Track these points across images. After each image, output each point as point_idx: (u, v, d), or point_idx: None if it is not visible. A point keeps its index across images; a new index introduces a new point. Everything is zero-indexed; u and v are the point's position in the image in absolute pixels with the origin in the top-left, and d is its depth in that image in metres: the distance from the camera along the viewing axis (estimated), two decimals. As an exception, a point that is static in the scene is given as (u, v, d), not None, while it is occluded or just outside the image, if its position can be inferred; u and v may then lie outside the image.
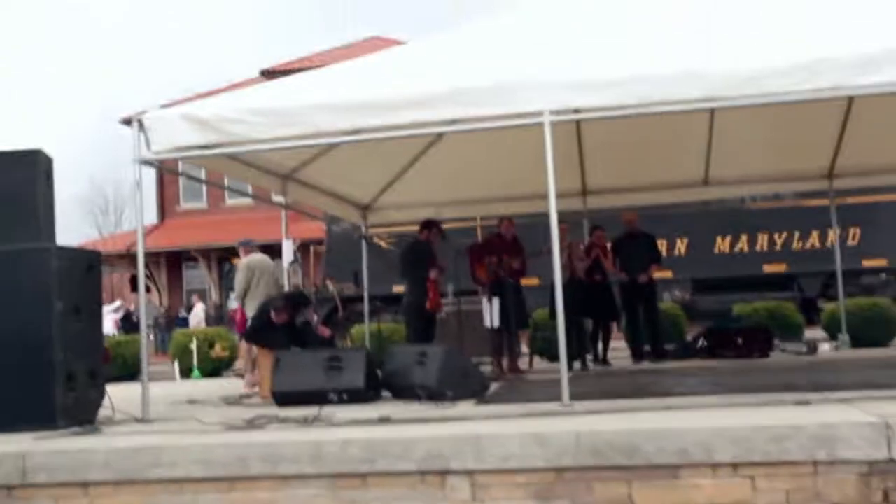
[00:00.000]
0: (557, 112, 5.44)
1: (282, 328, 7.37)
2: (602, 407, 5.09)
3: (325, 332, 7.84)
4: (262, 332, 7.42)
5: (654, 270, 9.88)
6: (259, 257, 9.49)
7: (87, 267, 5.97)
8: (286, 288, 9.64)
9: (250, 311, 8.90)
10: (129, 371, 12.49)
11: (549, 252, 5.39)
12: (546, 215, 5.46)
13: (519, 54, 5.92)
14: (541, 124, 5.37)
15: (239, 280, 9.32)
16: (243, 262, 9.40)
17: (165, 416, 6.00)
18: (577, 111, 5.79)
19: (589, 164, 9.71)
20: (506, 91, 5.44)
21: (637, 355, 9.77)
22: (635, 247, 9.83)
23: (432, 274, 8.41)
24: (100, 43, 60.18)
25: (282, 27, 58.04)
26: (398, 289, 13.84)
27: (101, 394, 5.96)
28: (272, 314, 7.37)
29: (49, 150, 5.91)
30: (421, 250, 8.61)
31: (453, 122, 6.00)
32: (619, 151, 9.05)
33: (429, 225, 8.73)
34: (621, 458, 4.09)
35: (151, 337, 21.73)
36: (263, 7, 60.06)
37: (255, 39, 56.37)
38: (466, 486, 4.25)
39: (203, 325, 18.97)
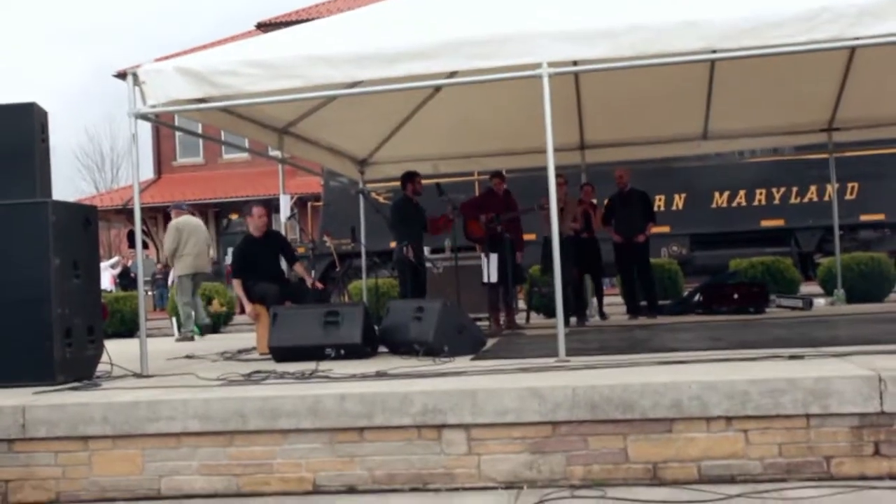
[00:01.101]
0: (555, 64, 5.38)
1: (278, 285, 7.39)
2: (598, 361, 5.12)
3: (318, 285, 7.83)
4: (258, 288, 7.42)
5: (649, 229, 9.84)
6: (187, 219, 10.02)
7: (84, 222, 5.94)
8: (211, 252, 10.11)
9: (178, 271, 9.43)
10: (128, 327, 12.55)
11: (541, 208, 5.38)
12: (544, 169, 5.43)
13: (517, 6, 5.84)
14: (539, 77, 5.32)
15: (167, 241, 10.06)
16: (172, 223, 9.93)
17: (163, 371, 6.04)
18: (575, 63, 5.74)
19: (587, 119, 9.65)
20: (503, 43, 5.38)
21: (633, 311, 9.81)
22: (629, 204, 9.80)
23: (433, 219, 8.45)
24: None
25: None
26: (394, 244, 13.91)
27: (100, 349, 5.98)
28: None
29: (44, 104, 5.86)
30: (405, 207, 8.53)
31: (451, 74, 5.95)
32: (618, 105, 8.99)
33: (409, 177, 8.61)
34: (616, 411, 4.13)
35: (149, 293, 21.73)
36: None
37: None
38: (463, 439, 4.29)
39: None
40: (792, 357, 4.78)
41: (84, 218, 5.95)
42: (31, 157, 5.68)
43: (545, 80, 5.32)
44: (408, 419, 4.34)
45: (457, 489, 4.25)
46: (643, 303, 9.80)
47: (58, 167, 5.87)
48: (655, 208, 11.16)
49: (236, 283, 7.52)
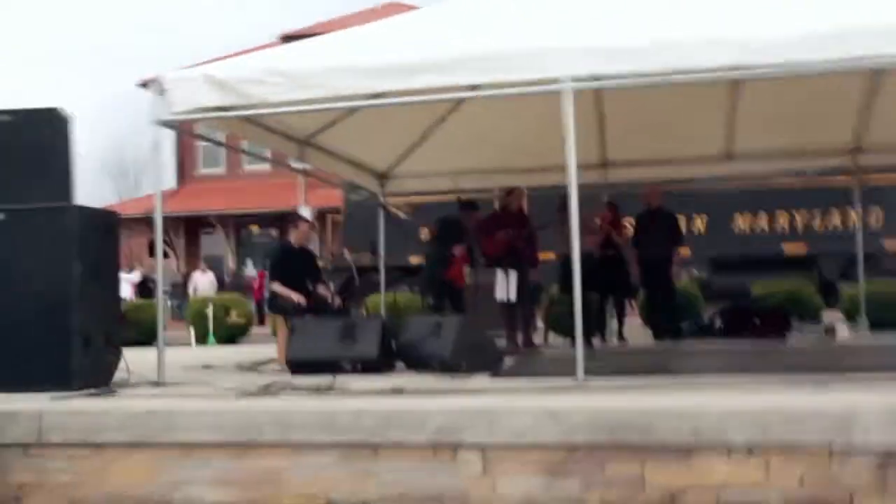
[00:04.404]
0: (578, 79, 5.35)
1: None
2: (617, 384, 5.05)
3: (338, 303, 7.84)
4: (282, 301, 7.43)
5: (675, 254, 9.75)
6: None
7: (106, 228, 5.96)
8: None
9: None
10: (146, 336, 12.58)
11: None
12: (564, 187, 5.39)
13: (541, 20, 5.83)
14: (561, 92, 5.29)
15: None
16: None
17: (180, 381, 6.01)
18: (598, 79, 5.70)
19: (609, 136, 9.59)
20: (526, 57, 5.36)
21: (658, 333, 9.71)
22: (655, 225, 9.72)
23: (457, 251, 8.41)
24: (124, 8, 59.84)
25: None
26: (415, 259, 13.88)
27: (118, 356, 5.98)
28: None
29: (69, 111, 5.89)
30: (453, 227, 8.57)
31: (473, 87, 5.93)
32: (641, 123, 8.92)
33: (467, 206, 8.63)
34: (635, 436, 4.06)
35: (168, 302, 21.81)
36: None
37: (276, 5, 55.89)
38: (478, 459, 4.23)
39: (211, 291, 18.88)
40: (815, 385, 4.69)
41: (106, 224, 5.97)
42: (54, 162, 5.71)
43: (567, 96, 5.28)
44: (423, 437, 4.30)
45: (471, 511, 4.20)
46: (665, 325, 9.71)
47: (83, 176, 5.90)
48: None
49: (277, 284, 7.52)
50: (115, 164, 39.23)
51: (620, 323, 9.89)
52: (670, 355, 7.51)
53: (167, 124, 6.09)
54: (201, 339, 12.95)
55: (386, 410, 4.40)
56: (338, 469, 4.37)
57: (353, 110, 7.51)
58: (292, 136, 8.03)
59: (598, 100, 8.85)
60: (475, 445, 4.25)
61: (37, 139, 5.67)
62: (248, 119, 6.84)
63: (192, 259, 25.82)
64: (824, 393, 4.46)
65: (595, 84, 5.94)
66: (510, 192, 9.05)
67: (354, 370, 6.09)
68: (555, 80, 5.30)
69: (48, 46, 58.71)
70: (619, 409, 4.15)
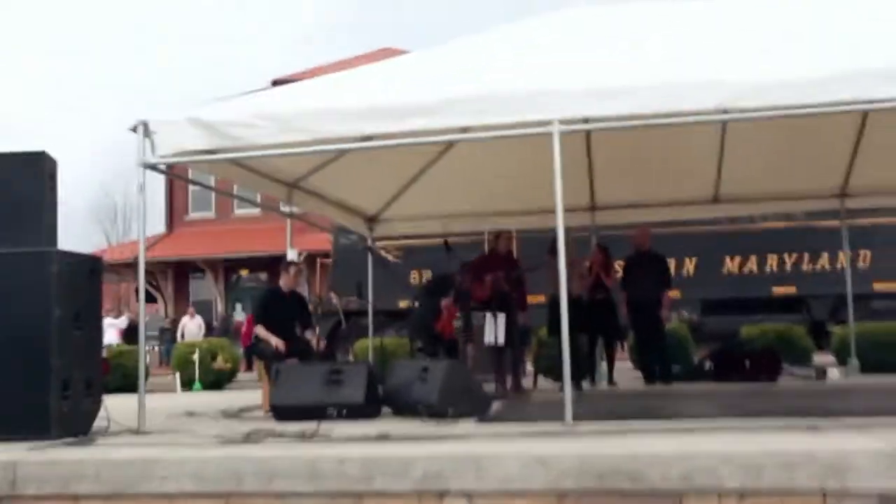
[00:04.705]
0: (566, 122, 5.35)
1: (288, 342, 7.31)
2: (606, 428, 4.96)
3: (322, 348, 7.76)
4: (263, 346, 7.33)
5: (666, 297, 9.70)
6: None
7: (89, 272, 5.87)
8: None
9: None
10: (131, 382, 12.41)
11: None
12: (552, 230, 5.36)
13: (530, 62, 5.86)
14: (549, 134, 5.28)
15: None
16: None
17: (162, 429, 5.90)
18: (587, 121, 5.72)
19: (598, 178, 9.62)
20: (514, 99, 5.36)
21: (648, 377, 9.62)
22: (644, 268, 9.69)
23: (444, 304, 8.38)
24: (114, 52, 60.23)
25: (294, 39, 58.19)
26: (404, 303, 13.80)
27: (98, 403, 5.87)
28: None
29: (59, 156, 5.85)
30: (444, 281, 8.56)
31: (462, 130, 5.94)
32: (629, 165, 8.96)
33: (452, 250, 8.64)
34: (625, 482, 3.97)
35: (156, 348, 21.58)
36: (275, 19, 60.22)
37: (268, 52, 56.45)
38: (465, 507, 4.13)
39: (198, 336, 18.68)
40: (808, 429, 4.62)
41: (88, 269, 5.88)
42: (38, 206, 5.65)
43: (555, 138, 5.28)
44: (409, 485, 4.19)
45: (457, 560, 4.08)
46: (656, 368, 9.63)
47: (73, 220, 5.85)
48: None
49: (260, 328, 7.43)
50: (104, 208, 39.13)
51: (610, 366, 9.80)
52: (661, 398, 7.42)
53: (153, 167, 6.05)
54: (187, 384, 12.79)
55: (370, 457, 4.29)
56: (321, 519, 4.25)
57: (341, 153, 7.51)
58: (280, 179, 8.02)
59: (588, 142, 8.89)
60: (462, 492, 4.14)
61: (21, 183, 5.61)
62: (235, 162, 6.82)
63: (181, 303, 25.63)
64: (817, 436, 4.39)
65: (583, 126, 5.96)
66: (498, 235, 9.04)
67: (340, 416, 5.99)
68: (544, 123, 5.30)
69: (44, 83, 58.79)
70: (609, 455, 4.06)
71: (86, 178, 42.36)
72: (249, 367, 14.40)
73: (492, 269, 8.53)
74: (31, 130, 48.49)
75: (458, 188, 9.36)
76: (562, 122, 5.30)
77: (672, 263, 15.08)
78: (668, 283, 9.90)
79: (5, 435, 5.17)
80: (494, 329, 7.88)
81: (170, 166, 6.48)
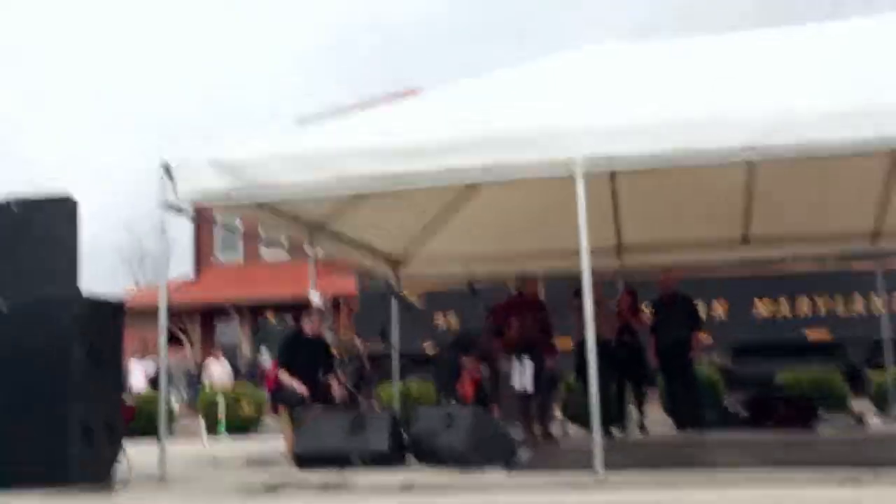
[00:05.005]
0: (591, 160, 5.25)
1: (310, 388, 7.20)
2: (638, 479, 4.78)
3: (343, 393, 7.60)
4: (286, 391, 7.23)
5: (697, 340, 9.49)
6: None
7: (111, 316, 5.83)
8: None
9: None
10: (157, 428, 12.34)
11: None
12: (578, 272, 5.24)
13: (553, 100, 5.80)
14: (573, 173, 5.19)
15: None
16: None
17: (184, 477, 5.76)
18: (611, 159, 5.61)
19: (624, 219, 9.48)
20: (537, 137, 5.30)
21: (679, 423, 9.37)
22: (673, 310, 9.51)
23: (466, 362, 8.26)
24: (135, 86, 60.66)
25: (319, 79, 58.80)
26: (429, 347, 13.67)
27: (118, 450, 5.78)
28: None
29: (89, 197, 5.86)
30: (470, 341, 8.45)
31: (486, 170, 5.85)
32: (655, 206, 8.82)
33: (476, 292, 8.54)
34: (659, 538, 3.80)
35: (183, 393, 21.51)
36: (303, 58, 60.91)
37: (301, 91, 56.76)
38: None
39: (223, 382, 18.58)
40: (848, 480, 4.42)
41: (111, 312, 5.84)
42: (59, 248, 5.64)
43: (579, 177, 5.19)
44: (434, 538, 4.05)
45: None
46: (687, 415, 9.38)
47: (100, 263, 5.84)
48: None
49: (283, 373, 7.32)
50: (131, 249, 39.50)
51: (641, 412, 9.58)
52: (694, 447, 7.19)
53: (172, 208, 5.99)
54: (212, 430, 12.68)
55: (393, 509, 4.17)
56: (342, 573, 4.11)
57: (364, 195, 7.45)
58: (304, 221, 7.97)
59: (613, 181, 8.78)
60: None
61: (42, 225, 5.61)
62: (258, 204, 6.76)
63: (208, 347, 25.63)
64: (859, 490, 4.19)
65: (607, 166, 5.85)
66: (524, 278, 8.90)
67: (364, 464, 5.85)
68: (568, 162, 5.22)
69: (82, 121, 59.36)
70: (641, 508, 3.90)
71: (114, 218, 42.80)
72: (275, 412, 14.31)
73: (518, 314, 8.40)
74: (58, 167, 49.11)
75: (482, 229, 9.27)
76: (585, 160, 5.21)
77: (702, 307, 14.86)
78: (697, 324, 9.69)
79: (25, 483, 5.09)
80: (522, 375, 7.73)
81: (193, 208, 6.44)
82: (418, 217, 9.05)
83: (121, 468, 5.68)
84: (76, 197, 5.77)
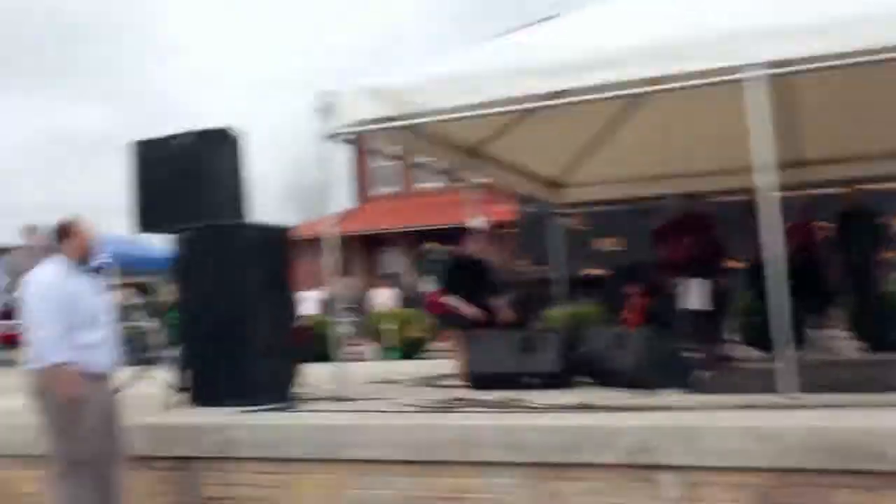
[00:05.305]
0: (767, 66, 4.83)
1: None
2: (831, 401, 4.50)
3: (511, 314, 7.57)
4: (455, 314, 7.30)
5: (881, 255, 8.86)
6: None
7: (281, 242, 6.05)
8: None
9: None
10: (327, 351, 12.90)
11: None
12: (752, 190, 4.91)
13: (713, 6, 5.37)
14: (747, 82, 4.81)
15: None
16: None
17: (361, 395, 5.94)
18: (789, 64, 5.16)
19: (803, 130, 8.83)
20: (707, 44, 4.92)
21: (866, 343, 8.82)
22: (856, 227, 8.88)
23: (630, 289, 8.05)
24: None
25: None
26: (590, 270, 13.47)
27: (298, 371, 6.04)
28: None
29: (253, 132, 6.03)
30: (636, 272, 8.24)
31: (650, 82, 5.53)
32: (838, 115, 8.15)
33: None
34: (862, 461, 3.55)
35: (349, 319, 22.38)
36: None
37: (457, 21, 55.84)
38: (677, 482, 3.86)
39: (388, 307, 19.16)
40: None
41: (279, 239, 6.06)
42: (227, 180, 5.86)
43: (755, 85, 4.80)
44: (614, 457, 3.98)
45: (671, 538, 3.83)
46: (875, 334, 8.81)
47: (266, 198, 6.04)
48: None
49: (450, 297, 7.38)
50: (296, 184, 40.98)
51: (823, 333, 9.07)
52: (882, 368, 6.72)
53: (332, 138, 5.98)
54: (382, 353, 13.12)
55: (573, 427, 4.12)
56: (523, 490, 4.13)
57: (522, 117, 7.29)
58: (462, 147, 7.91)
59: (789, 89, 8.17)
60: (672, 467, 3.88)
61: (210, 159, 5.83)
62: (414, 132, 6.72)
63: (372, 276, 26.51)
64: None
65: (784, 70, 5.40)
66: (693, 196, 8.51)
67: (535, 384, 5.84)
68: (740, 68, 4.84)
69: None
70: (840, 429, 3.66)
71: (276, 154, 44.37)
72: (439, 337, 14.61)
73: (687, 233, 8.06)
74: (224, 106, 51.10)
75: (645, 148, 8.90)
76: (761, 66, 4.81)
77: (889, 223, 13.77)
78: (883, 241, 9.01)
79: (216, 401, 5.41)
80: (695, 294, 7.44)
81: (354, 137, 6.47)
82: (578, 137, 8.80)
83: (298, 387, 5.93)
84: (237, 131, 5.95)
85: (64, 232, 4.43)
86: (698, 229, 8.10)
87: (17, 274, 6.70)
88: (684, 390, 5.34)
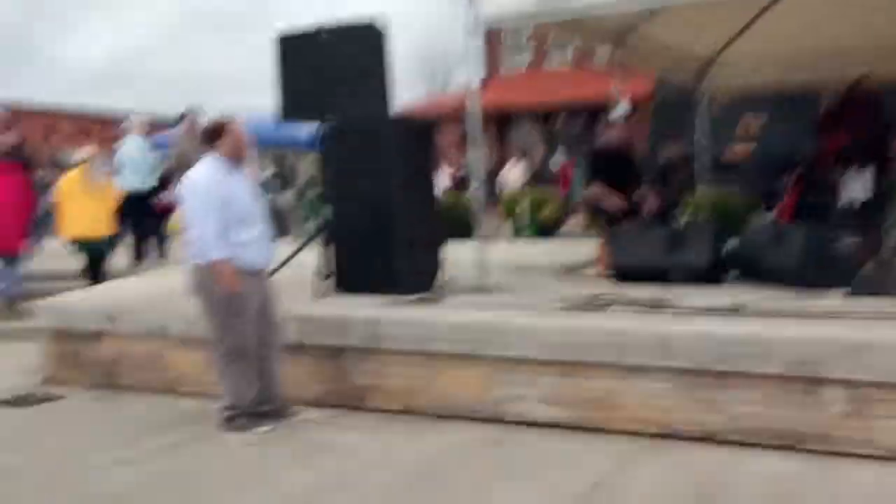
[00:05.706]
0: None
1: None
2: None
3: (656, 204, 7.26)
4: (600, 203, 7.08)
5: None
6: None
7: (424, 136, 6.02)
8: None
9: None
10: (460, 229, 12.90)
11: None
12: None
13: None
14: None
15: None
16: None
17: (501, 286, 5.84)
18: None
19: None
20: None
21: None
22: None
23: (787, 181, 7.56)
24: None
25: None
26: (735, 155, 12.81)
27: (440, 261, 6.04)
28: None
29: (390, 11, 5.86)
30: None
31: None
32: None
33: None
34: None
35: (481, 194, 22.36)
36: None
37: None
38: (843, 398, 3.69)
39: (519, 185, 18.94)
40: None
41: (423, 132, 6.02)
42: (371, 74, 5.77)
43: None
44: (773, 368, 3.82)
45: (835, 454, 3.68)
46: None
47: (399, 71, 5.93)
48: None
49: (596, 186, 7.16)
50: (423, 59, 40.48)
51: None
52: None
53: (481, 27, 5.83)
54: (515, 231, 13.06)
55: (729, 335, 3.97)
56: (675, 396, 4.05)
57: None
58: (608, 31, 7.52)
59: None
60: (838, 381, 3.70)
61: (354, 53, 5.74)
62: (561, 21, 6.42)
63: (502, 153, 26.26)
64: None
65: None
66: (857, 80, 7.78)
67: (683, 279, 5.64)
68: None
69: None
70: None
71: (408, 28, 43.82)
72: (571, 216, 14.41)
73: (850, 118, 7.44)
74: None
75: (800, 29, 8.16)
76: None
77: None
78: None
79: (361, 292, 5.51)
80: (857, 184, 6.93)
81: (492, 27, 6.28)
82: (728, 18, 8.17)
83: (442, 278, 5.94)
84: (382, 24, 5.81)
85: (217, 132, 4.49)
86: (863, 113, 7.48)
87: (184, 165, 6.89)
88: (847, 293, 5.02)
